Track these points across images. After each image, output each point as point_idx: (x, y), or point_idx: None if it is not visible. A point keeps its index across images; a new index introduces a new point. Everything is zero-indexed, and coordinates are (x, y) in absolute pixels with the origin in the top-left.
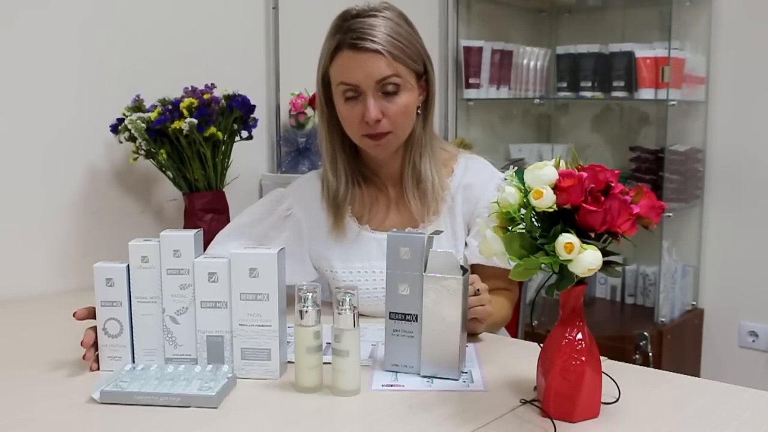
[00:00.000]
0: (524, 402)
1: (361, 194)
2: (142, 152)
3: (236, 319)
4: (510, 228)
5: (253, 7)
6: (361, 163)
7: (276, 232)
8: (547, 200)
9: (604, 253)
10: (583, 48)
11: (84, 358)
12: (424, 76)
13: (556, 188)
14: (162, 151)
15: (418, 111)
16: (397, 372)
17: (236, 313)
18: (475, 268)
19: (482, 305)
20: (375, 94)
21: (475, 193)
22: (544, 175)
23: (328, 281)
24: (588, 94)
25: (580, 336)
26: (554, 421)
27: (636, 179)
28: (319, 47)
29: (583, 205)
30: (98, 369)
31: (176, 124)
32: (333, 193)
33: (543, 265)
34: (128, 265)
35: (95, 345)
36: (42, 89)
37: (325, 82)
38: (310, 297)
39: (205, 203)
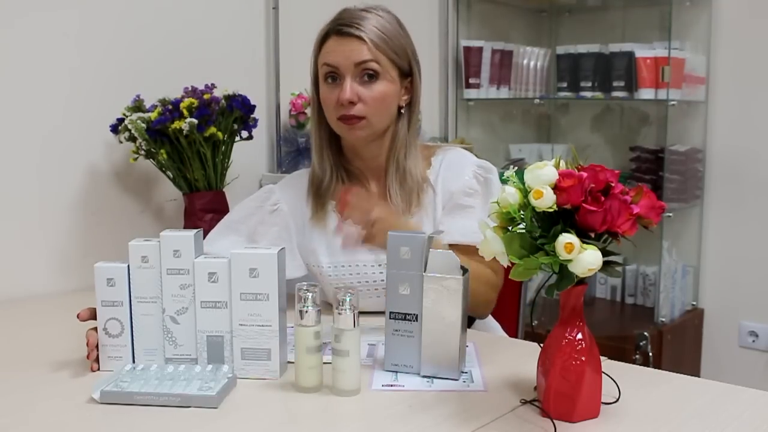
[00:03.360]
0: (524, 402)
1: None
2: (142, 152)
3: (236, 319)
4: (510, 228)
5: (253, 7)
6: (345, 159)
7: (265, 228)
8: (547, 200)
9: (604, 253)
10: (583, 48)
11: (88, 357)
12: (409, 77)
13: (556, 188)
14: (162, 151)
15: (402, 110)
16: (397, 372)
17: (236, 313)
18: (454, 249)
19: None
20: (353, 78)
21: (451, 180)
22: (544, 175)
23: (316, 278)
24: (588, 94)
25: (580, 336)
26: (554, 421)
27: (636, 179)
28: None
29: (583, 205)
30: (98, 369)
31: (176, 124)
32: (317, 184)
33: (543, 265)
34: (129, 265)
35: (97, 345)
36: (42, 89)
37: (316, 75)
38: (310, 297)
39: (205, 203)
